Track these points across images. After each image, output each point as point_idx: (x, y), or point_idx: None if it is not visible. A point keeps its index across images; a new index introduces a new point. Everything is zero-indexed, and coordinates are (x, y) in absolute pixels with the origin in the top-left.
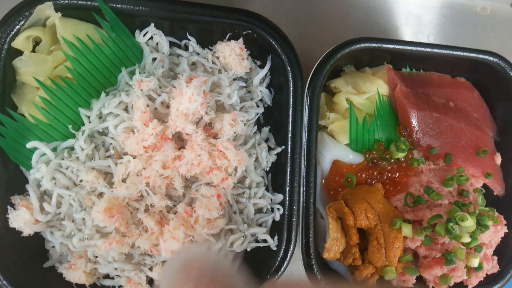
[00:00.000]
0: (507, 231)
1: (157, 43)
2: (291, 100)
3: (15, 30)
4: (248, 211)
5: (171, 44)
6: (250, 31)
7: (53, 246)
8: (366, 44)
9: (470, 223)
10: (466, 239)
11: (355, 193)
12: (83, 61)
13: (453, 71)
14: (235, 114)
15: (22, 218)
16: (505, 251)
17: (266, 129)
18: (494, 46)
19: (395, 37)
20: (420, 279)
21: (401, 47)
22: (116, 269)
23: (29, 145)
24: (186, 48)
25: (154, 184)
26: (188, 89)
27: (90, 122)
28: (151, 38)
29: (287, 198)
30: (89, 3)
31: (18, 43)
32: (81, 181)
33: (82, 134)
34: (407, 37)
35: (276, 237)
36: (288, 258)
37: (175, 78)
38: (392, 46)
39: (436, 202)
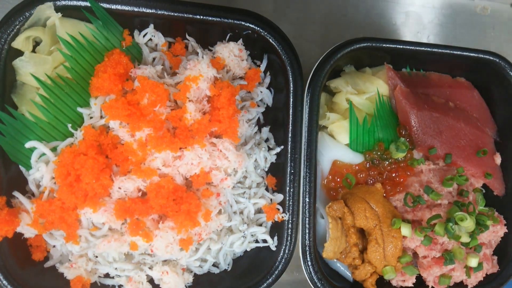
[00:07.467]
0: (506, 231)
1: (156, 44)
2: (291, 100)
3: (15, 30)
4: (248, 211)
5: (171, 45)
6: (250, 31)
7: (54, 246)
8: (366, 44)
9: (469, 223)
10: (466, 239)
11: (355, 193)
12: (80, 60)
13: (453, 71)
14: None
15: (23, 222)
16: (505, 251)
17: (266, 129)
18: (494, 46)
19: (395, 37)
20: (419, 279)
21: (401, 47)
22: (116, 269)
23: (28, 144)
24: (186, 48)
25: (153, 182)
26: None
27: (91, 118)
28: (150, 39)
29: (287, 198)
30: (90, 4)
31: (18, 43)
32: None
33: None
34: (407, 37)
35: (276, 237)
36: (288, 257)
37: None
38: (392, 46)
39: (436, 202)
